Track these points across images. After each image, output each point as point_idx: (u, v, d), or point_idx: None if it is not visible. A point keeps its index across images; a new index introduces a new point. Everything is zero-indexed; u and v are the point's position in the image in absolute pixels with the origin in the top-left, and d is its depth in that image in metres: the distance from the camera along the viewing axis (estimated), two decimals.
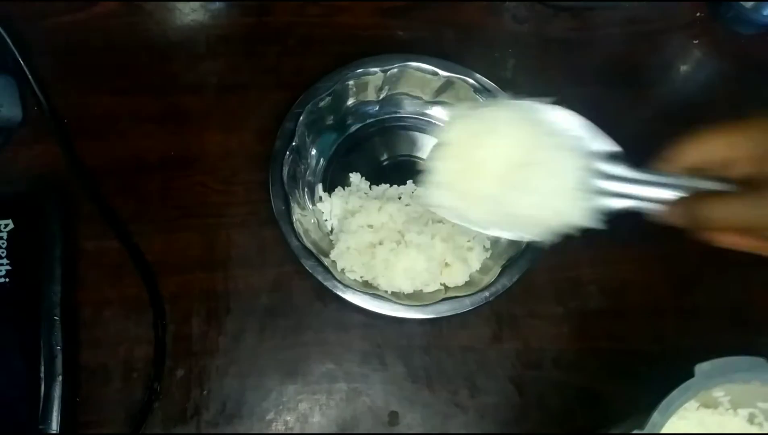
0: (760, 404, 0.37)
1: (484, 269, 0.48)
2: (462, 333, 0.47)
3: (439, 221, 0.48)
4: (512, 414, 0.46)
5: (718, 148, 0.33)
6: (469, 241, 0.48)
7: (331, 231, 0.49)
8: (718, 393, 0.36)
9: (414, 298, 0.46)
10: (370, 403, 0.45)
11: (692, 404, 0.36)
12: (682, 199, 0.34)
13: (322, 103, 0.49)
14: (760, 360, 0.34)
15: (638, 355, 0.48)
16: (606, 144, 0.36)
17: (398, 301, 0.45)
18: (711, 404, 0.37)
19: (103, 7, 0.54)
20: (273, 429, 0.44)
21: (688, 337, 0.48)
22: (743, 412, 0.37)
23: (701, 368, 0.34)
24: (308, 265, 0.45)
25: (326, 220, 0.49)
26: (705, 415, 0.37)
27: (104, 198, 0.48)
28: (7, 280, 0.43)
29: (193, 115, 0.52)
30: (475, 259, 0.48)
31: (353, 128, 0.53)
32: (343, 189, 0.50)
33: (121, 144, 0.50)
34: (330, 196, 0.49)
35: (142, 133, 0.51)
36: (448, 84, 0.51)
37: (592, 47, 0.58)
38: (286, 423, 0.45)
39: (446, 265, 0.47)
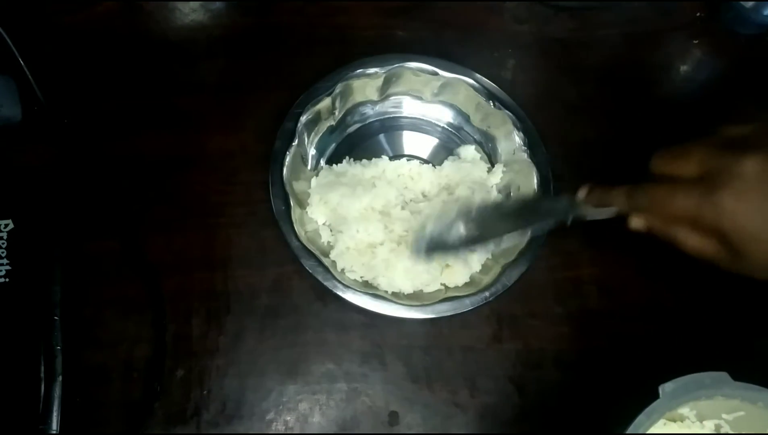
0: (725, 416, 0.37)
1: (484, 269, 0.48)
2: (462, 333, 0.47)
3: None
4: (512, 414, 0.46)
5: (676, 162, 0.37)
6: None
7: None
8: (684, 409, 0.36)
9: (414, 298, 0.46)
10: (370, 403, 0.45)
11: (659, 422, 0.36)
12: (632, 187, 0.38)
13: (321, 103, 0.49)
14: (722, 375, 0.34)
15: (638, 355, 0.48)
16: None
17: (398, 301, 0.45)
18: (677, 418, 0.37)
19: (103, 7, 0.54)
20: (273, 429, 0.44)
21: (688, 336, 0.48)
22: (709, 424, 0.38)
23: (665, 388, 0.34)
24: (308, 265, 0.45)
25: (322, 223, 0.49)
26: (672, 429, 0.37)
27: (104, 198, 0.48)
28: (7, 280, 0.43)
29: (193, 115, 0.52)
30: (476, 261, 0.48)
31: (353, 128, 0.53)
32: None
33: (121, 144, 0.50)
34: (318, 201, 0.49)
35: (142, 133, 0.51)
36: (448, 84, 0.51)
37: (592, 47, 0.58)
38: (286, 423, 0.45)
39: (447, 265, 0.47)
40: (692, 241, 0.36)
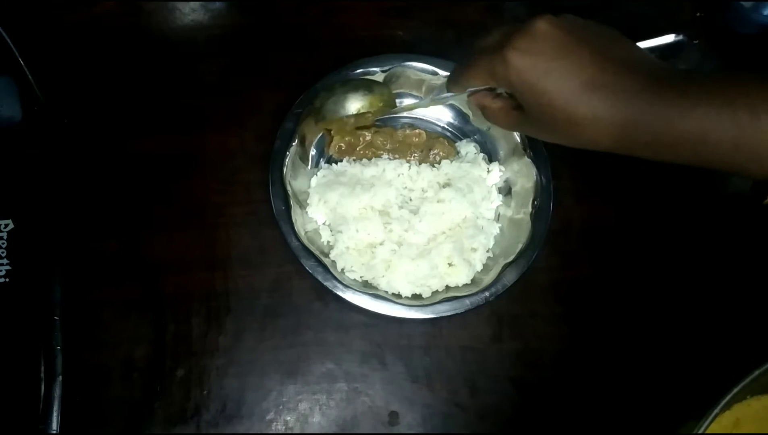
0: None
1: (484, 269, 0.48)
2: (462, 333, 0.47)
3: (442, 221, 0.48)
4: (512, 414, 0.46)
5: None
6: (474, 244, 0.48)
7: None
8: None
9: (414, 297, 0.46)
10: (370, 403, 0.45)
11: None
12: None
13: None
14: None
15: (637, 355, 0.48)
16: None
17: (398, 301, 0.45)
18: None
19: (103, 7, 0.54)
20: (273, 429, 0.44)
21: (688, 337, 0.48)
22: None
23: None
24: (308, 265, 0.45)
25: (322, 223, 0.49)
26: None
27: (104, 198, 0.48)
28: (7, 280, 0.43)
29: (193, 115, 0.52)
30: (479, 261, 0.48)
31: None
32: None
33: (121, 144, 0.50)
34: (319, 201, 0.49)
35: (142, 132, 0.51)
36: None
37: None
38: (286, 423, 0.45)
39: (450, 265, 0.47)
40: (496, 104, 0.40)
